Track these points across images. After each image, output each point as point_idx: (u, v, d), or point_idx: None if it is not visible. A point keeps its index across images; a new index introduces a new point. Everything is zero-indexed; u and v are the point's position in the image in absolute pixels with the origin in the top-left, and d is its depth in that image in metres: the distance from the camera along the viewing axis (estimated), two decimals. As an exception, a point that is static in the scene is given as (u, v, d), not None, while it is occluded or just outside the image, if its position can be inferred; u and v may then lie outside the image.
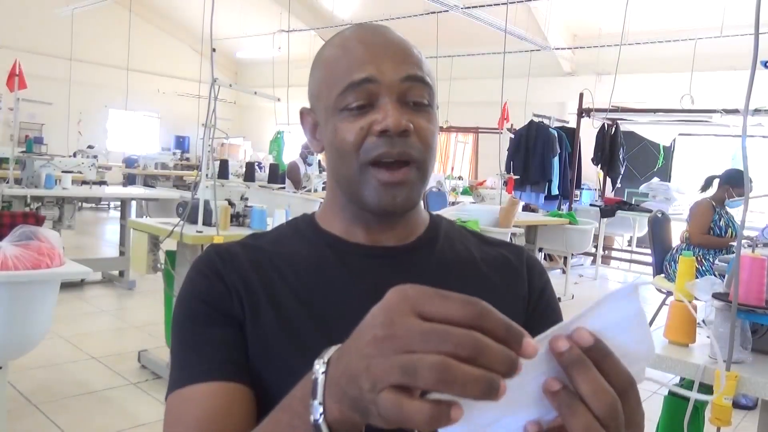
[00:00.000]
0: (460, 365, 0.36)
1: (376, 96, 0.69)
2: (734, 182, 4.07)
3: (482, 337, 0.37)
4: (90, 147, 10.10)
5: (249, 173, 4.30)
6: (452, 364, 0.36)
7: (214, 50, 3.07)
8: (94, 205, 10.44)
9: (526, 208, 6.76)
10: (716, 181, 4.22)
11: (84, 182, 5.78)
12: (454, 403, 0.37)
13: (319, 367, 0.44)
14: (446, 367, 0.36)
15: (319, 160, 7.33)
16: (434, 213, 0.86)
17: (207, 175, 3.19)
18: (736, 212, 4.16)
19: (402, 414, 0.37)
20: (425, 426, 0.37)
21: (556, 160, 7.36)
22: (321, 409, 0.43)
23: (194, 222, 3.13)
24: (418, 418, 0.37)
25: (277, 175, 4.80)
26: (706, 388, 1.44)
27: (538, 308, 0.79)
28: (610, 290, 0.42)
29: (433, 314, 0.38)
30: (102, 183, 6.46)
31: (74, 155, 8.35)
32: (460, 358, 0.36)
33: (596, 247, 7.16)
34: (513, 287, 0.79)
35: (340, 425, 0.43)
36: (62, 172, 5.11)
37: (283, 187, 5.56)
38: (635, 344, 0.43)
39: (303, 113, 0.80)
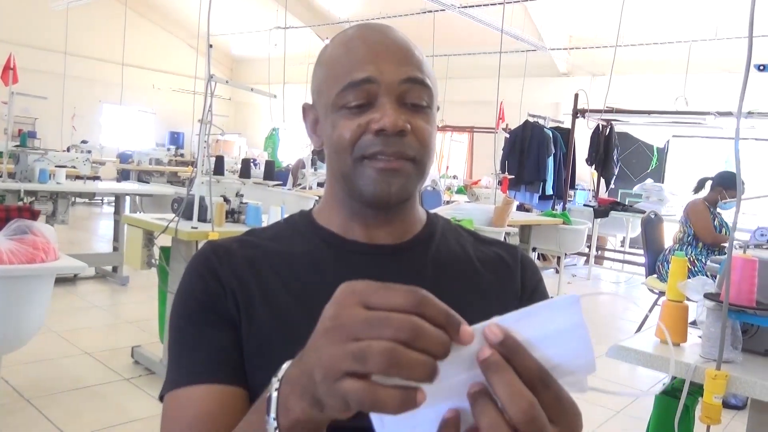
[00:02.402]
0: (406, 351, 0.38)
1: (375, 96, 0.69)
2: (727, 184, 4.10)
3: (420, 322, 0.39)
4: (84, 142, 10.06)
5: (245, 170, 4.30)
6: (399, 350, 0.38)
7: (211, 46, 3.07)
8: (87, 200, 10.40)
9: (521, 207, 6.78)
10: (708, 183, 4.25)
11: (78, 177, 5.75)
12: (417, 387, 0.38)
13: (274, 383, 0.47)
14: (394, 352, 0.38)
15: (313, 158, 7.32)
16: (431, 212, 0.86)
17: (202, 171, 3.19)
18: (727, 214, 4.20)
19: (373, 399, 0.38)
20: (394, 410, 0.38)
21: (550, 160, 7.38)
22: (275, 425, 0.46)
23: (189, 218, 3.13)
24: (390, 402, 0.38)
25: (272, 172, 4.80)
26: (697, 387, 1.46)
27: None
28: (561, 295, 0.41)
29: (377, 304, 0.40)
30: (96, 178, 6.43)
31: (68, 150, 8.32)
32: (401, 342, 0.38)
33: (589, 247, 7.19)
34: (506, 286, 0.80)
35: (303, 427, 0.45)
36: (56, 166, 5.09)
37: (279, 184, 5.56)
38: (571, 358, 0.41)
39: (305, 109, 0.80)
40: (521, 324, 0.41)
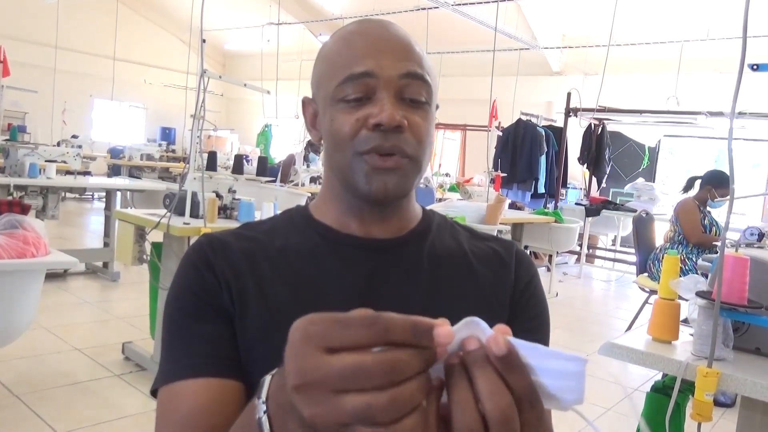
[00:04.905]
0: (402, 388, 0.37)
1: (373, 90, 0.69)
2: (716, 183, 4.12)
3: (394, 357, 0.37)
4: (74, 137, 9.98)
5: (237, 166, 4.28)
6: (398, 393, 0.37)
7: (204, 41, 3.05)
8: (77, 195, 10.32)
9: (513, 205, 6.80)
10: (698, 182, 4.28)
11: (68, 172, 5.71)
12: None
13: (260, 405, 0.45)
14: (396, 399, 0.37)
15: (305, 155, 7.31)
16: (427, 208, 0.86)
17: (195, 166, 3.17)
18: (716, 212, 4.23)
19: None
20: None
21: (543, 158, 7.41)
22: None
23: (181, 214, 3.12)
24: (414, 429, 0.38)
25: (265, 168, 4.79)
26: (688, 385, 1.47)
27: (523, 299, 0.80)
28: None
29: (340, 345, 0.37)
30: (86, 173, 6.38)
31: (58, 144, 8.25)
32: (388, 385, 0.37)
33: (581, 245, 7.23)
34: (501, 280, 0.80)
35: None
36: (46, 161, 5.05)
37: (271, 180, 5.54)
38: (561, 391, 0.41)
39: (305, 102, 0.80)
40: (524, 347, 0.41)
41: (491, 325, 0.76)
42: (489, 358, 0.40)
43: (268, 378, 0.46)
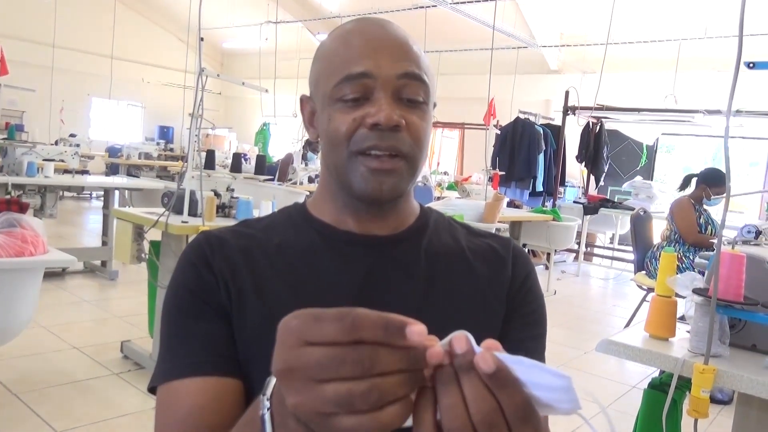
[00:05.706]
0: (384, 378, 0.38)
1: (371, 90, 0.70)
2: (711, 181, 4.12)
3: (368, 350, 0.38)
4: (72, 135, 9.97)
5: (236, 164, 4.29)
6: (380, 383, 0.38)
7: (202, 39, 3.05)
8: (75, 194, 10.32)
9: (511, 204, 6.81)
10: (694, 180, 4.28)
11: (66, 171, 5.70)
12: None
13: (264, 402, 0.47)
14: (376, 386, 0.38)
15: (304, 153, 7.31)
16: (425, 205, 0.87)
17: (193, 165, 3.17)
18: (713, 210, 4.23)
19: (379, 425, 0.38)
20: (401, 423, 0.39)
21: (541, 157, 7.41)
22: None
23: (179, 212, 3.12)
24: (396, 419, 0.39)
25: (263, 167, 4.79)
26: (684, 381, 1.47)
27: (520, 294, 0.80)
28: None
29: (315, 339, 0.39)
30: (84, 172, 6.38)
31: (56, 143, 8.25)
32: (363, 374, 0.38)
33: (579, 243, 7.23)
34: (498, 276, 0.80)
35: None
36: (44, 160, 5.04)
37: (270, 179, 5.55)
38: (555, 402, 0.40)
39: (303, 100, 0.80)
40: (510, 361, 0.40)
41: (489, 322, 0.77)
42: (470, 365, 0.40)
43: (275, 378, 0.47)
